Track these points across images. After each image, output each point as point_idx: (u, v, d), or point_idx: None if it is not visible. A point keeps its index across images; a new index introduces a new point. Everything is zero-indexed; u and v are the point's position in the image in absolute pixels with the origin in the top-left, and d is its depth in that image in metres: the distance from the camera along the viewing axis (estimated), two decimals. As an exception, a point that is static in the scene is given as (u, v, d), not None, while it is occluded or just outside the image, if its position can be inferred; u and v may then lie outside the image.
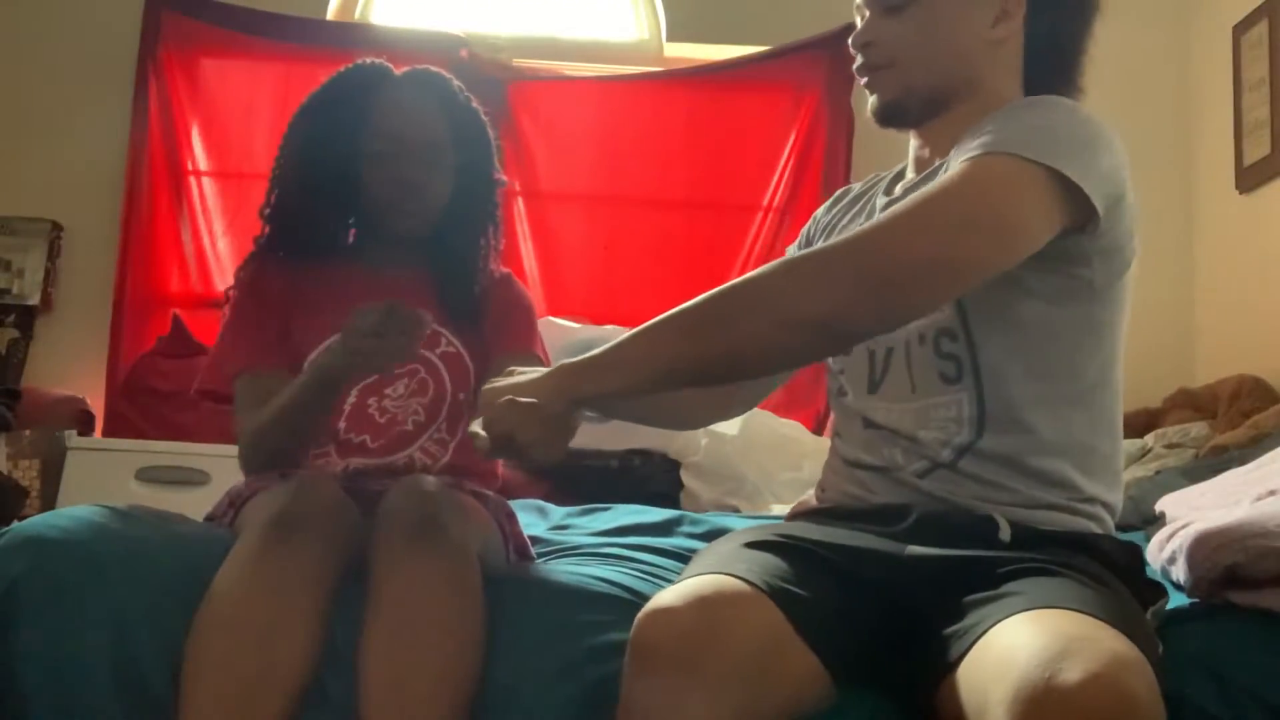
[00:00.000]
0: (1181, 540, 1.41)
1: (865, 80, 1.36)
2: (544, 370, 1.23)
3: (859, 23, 1.37)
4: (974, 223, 1.14)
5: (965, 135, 1.24)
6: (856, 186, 1.52)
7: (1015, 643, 0.98)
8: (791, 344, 1.15)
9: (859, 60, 1.36)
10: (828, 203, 1.54)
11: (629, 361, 1.17)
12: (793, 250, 1.49)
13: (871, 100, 1.36)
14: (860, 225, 1.29)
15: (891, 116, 1.35)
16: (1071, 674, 0.90)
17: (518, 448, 1.15)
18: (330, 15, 3.76)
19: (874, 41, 1.33)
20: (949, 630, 1.09)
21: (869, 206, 1.44)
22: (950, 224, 1.14)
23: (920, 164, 1.38)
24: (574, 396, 1.18)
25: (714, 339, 1.14)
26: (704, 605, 1.07)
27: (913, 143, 1.40)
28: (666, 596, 1.10)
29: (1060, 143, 1.17)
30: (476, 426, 1.19)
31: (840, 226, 1.46)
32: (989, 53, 1.32)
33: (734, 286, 1.16)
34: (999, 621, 1.03)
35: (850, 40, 1.36)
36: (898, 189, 1.39)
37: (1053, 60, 1.35)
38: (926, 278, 1.13)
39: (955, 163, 1.20)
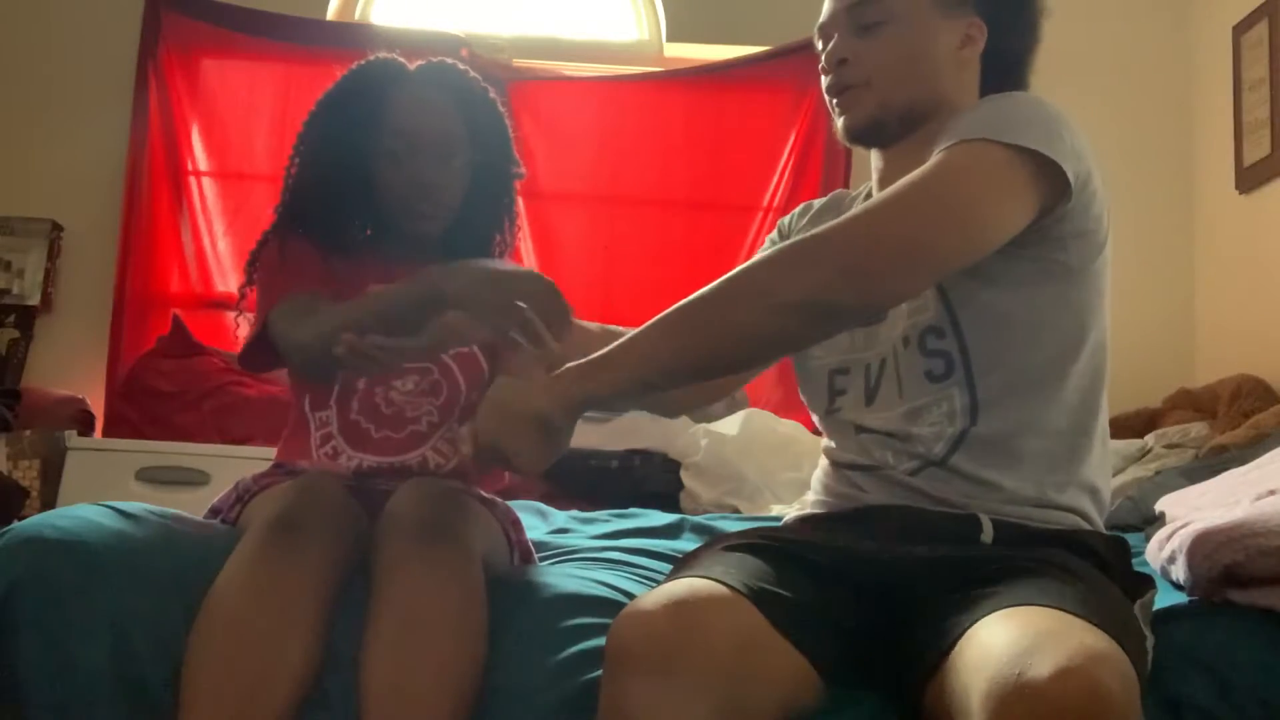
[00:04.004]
0: (1181, 540, 1.41)
1: (839, 99, 1.37)
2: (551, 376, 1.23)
3: (821, 46, 1.40)
4: (951, 208, 1.17)
5: (934, 143, 1.26)
6: (818, 202, 1.55)
7: (990, 641, 0.99)
8: (783, 329, 1.16)
9: (831, 79, 1.38)
10: (794, 214, 1.56)
11: (633, 360, 1.18)
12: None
13: (842, 119, 1.38)
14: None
15: (865, 134, 1.38)
16: (1042, 669, 0.91)
17: (503, 456, 1.16)
18: (330, 15, 3.77)
19: (850, 59, 1.35)
20: (932, 631, 1.10)
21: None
22: (929, 210, 1.17)
23: (886, 183, 1.39)
24: (579, 398, 1.18)
25: (712, 331, 1.16)
26: (679, 608, 1.08)
27: (875, 163, 1.42)
28: (642, 601, 1.11)
29: (1030, 125, 1.21)
30: (465, 432, 1.18)
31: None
32: (955, 74, 1.36)
33: (726, 280, 1.18)
34: (977, 621, 1.04)
35: (823, 59, 1.38)
36: None
37: (1006, 78, 1.40)
38: (905, 261, 1.16)
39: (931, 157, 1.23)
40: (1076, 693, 0.89)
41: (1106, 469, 1.33)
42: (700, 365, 1.20)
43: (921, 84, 1.34)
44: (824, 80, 1.40)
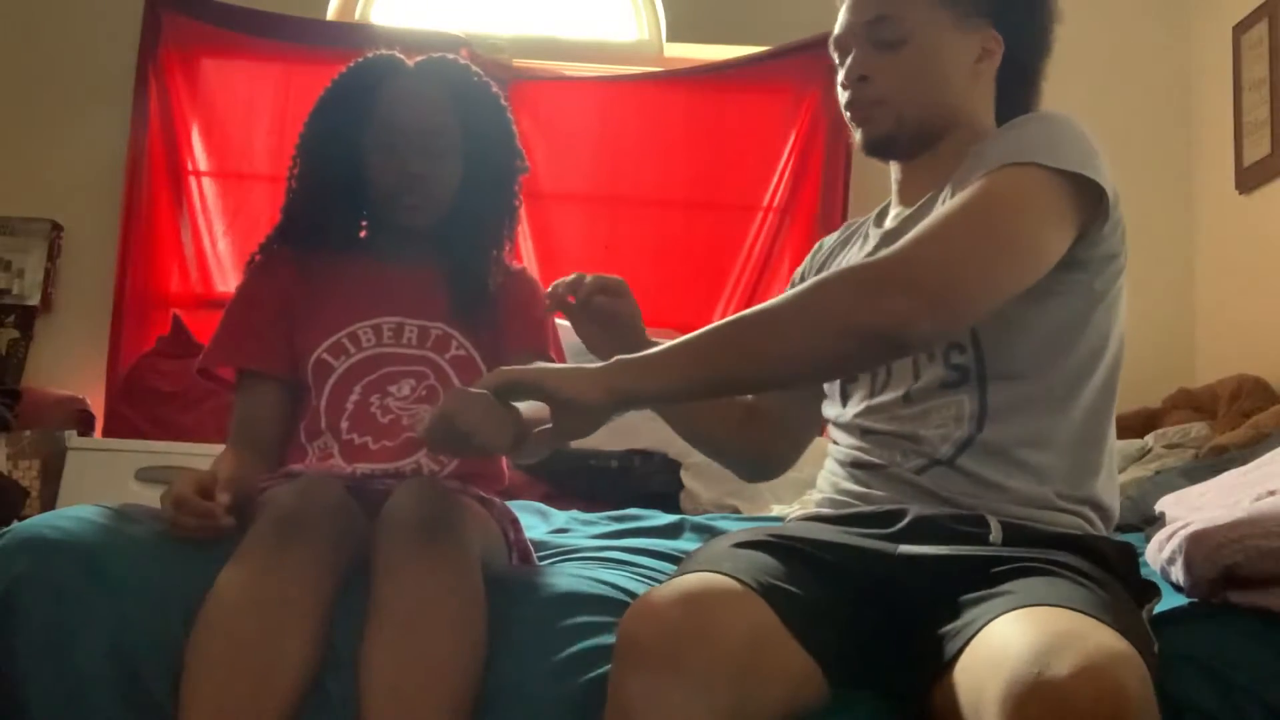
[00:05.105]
0: (1181, 540, 1.41)
1: (857, 115, 1.38)
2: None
3: (838, 59, 1.40)
4: (1012, 237, 1.18)
5: (964, 161, 1.27)
6: (829, 240, 1.56)
7: (1006, 640, 0.99)
8: (845, 352, 1.16)
9: (850, 95, 1.38)
10: (809, 256, 1.58)
11: (681, 363, 1.16)
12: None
13: (859, 133, 1.39)
14: (863, 253, 1.38)
15: (883, 148, 1.39)
16: (1061, 668, 0.91)
17: (459, 434, 1.14)
18: (330, 15, 3.77)
19: (870, 76, 1.36)
20: (942, 630, 1.10)
21: (859, 236, 1.48)
22: (991, 239, 1.17)
23: (906, 196, 1.41)
24: (625, 391, 1.16)
25: (772, 345, 1.16)
26: (690, 602, 1.07)
27: (894, 175, 1.44)
28: (653, 594, 1.11)
29: (1071, 148, 1.22)
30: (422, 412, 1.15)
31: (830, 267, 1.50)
32: (970, 87, 1.37)
33: (793, 296, 1.18)
34: (991, 620, 1.04)
35: (842, 74, 1.39)
36: (889, 221, 1.42)
37: (1020, 91, 1.41)
38: (972, 291, 1.16)
39: (973, 178, 1.22)
40: (1097, 693, 0.89)
41: (1114, 486, 1.33)
42: (752, 378, 1.20)
43: (938, 98, 1.35)
44: (842, 95, 1.40)
